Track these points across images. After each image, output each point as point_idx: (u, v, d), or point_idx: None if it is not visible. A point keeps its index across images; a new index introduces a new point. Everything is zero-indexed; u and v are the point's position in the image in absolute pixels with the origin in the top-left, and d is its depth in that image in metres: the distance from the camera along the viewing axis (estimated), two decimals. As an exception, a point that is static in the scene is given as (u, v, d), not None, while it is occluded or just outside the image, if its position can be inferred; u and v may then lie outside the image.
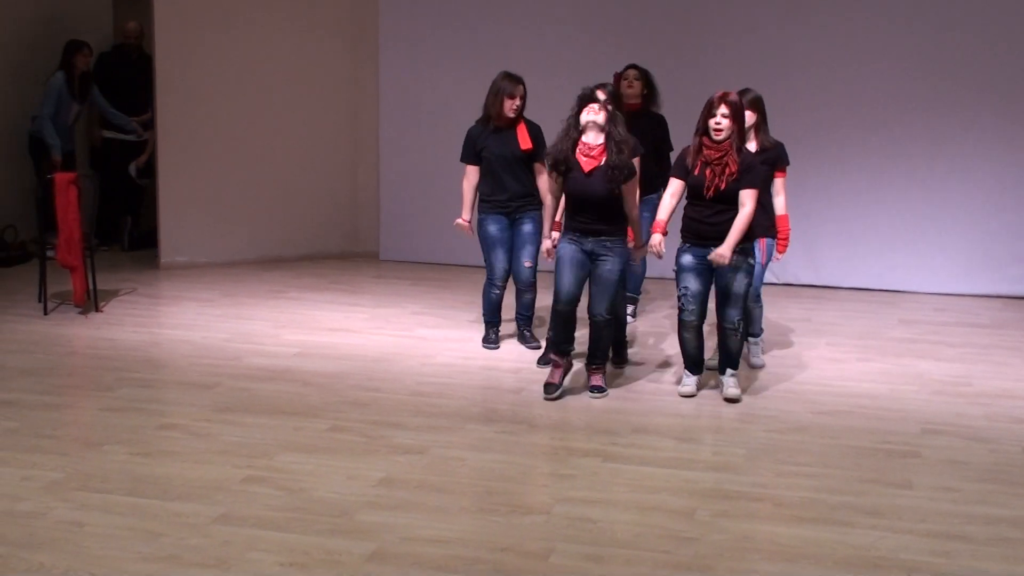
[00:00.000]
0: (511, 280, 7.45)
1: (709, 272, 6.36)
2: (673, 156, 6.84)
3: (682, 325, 6.45)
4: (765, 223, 6.67)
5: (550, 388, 6.50)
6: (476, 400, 6.58)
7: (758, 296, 7.03)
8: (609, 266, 6.37)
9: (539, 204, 7.21)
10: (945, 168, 9.40)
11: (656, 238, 6.36)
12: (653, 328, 8.07)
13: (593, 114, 6.30)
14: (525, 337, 7.50)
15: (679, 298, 6.40)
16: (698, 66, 9.42)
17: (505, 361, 7.23)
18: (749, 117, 6.54)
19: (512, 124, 7.26)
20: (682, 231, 6.40)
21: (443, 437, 5.80)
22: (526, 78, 7.30)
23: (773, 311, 8.44)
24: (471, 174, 7.39)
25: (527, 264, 7.33)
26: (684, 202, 6.41)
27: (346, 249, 10.74)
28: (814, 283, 9.69)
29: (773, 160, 6.70)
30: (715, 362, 6.83)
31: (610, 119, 6.30)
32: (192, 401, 6.35)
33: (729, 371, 6.52)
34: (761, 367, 7.07)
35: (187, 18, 9.92)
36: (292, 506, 4.88)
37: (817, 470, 5.43)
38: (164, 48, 9.88)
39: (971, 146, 9.33)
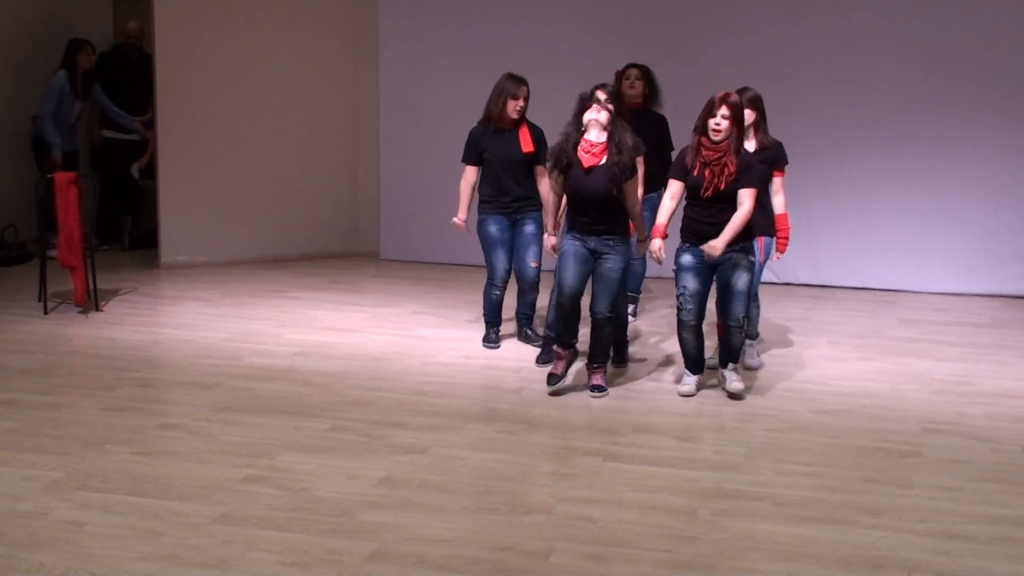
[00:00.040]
0: (511, 280, 7.44)
1: (709, 272, 6.36)
2: (674, 156, 6.83)
3: (681, 325, 6.45)
4: (764, 222, 6.67)
5: (553, 379, 6.53)
6: (477, 399, 6.59)
7: (755, 296, 7.02)
8: (611, 264, 6.38)
9: (539, 205, 7.22)
10: (945, 167, 9.40)
11: (656, 243, 6.35)
12: (654, 327, 8.07)
13: (595, 112, 6.31)
14: (527, 336, 7.50)
15: (678, 297, 6.40)
16: (698, 66, 9.42)
17: (506, 360, 7.23)
18: (748, 116, 6.54)
19: (515, 125, 7.25)
20: (681, 231, 6.40)
21: (444, 436, 5.80)
22: (526, 78, 7.29)
23: (773, 310, 8.44)
24: (470, 174, 7.38)
25: (533, 264, 7.32)
26: (683, 202, 6.41)
27: (346, 249, 10.74)
28: (814, 282, 9.69)
29: (772, 159, 6.70)
30: (715, 361, 6.84)
31: (612, 119, 6.30)
32: (192, 401, 6.35)
33: (731, 365, 6.53)
34: (757, 368, 7.06)
35: (187, 18, 9.92)
36: (293, 506, 4.88)
37: (818, 469, 5.43)
38: (164, 48, 9.88)
39: (971, 145, 9.32)
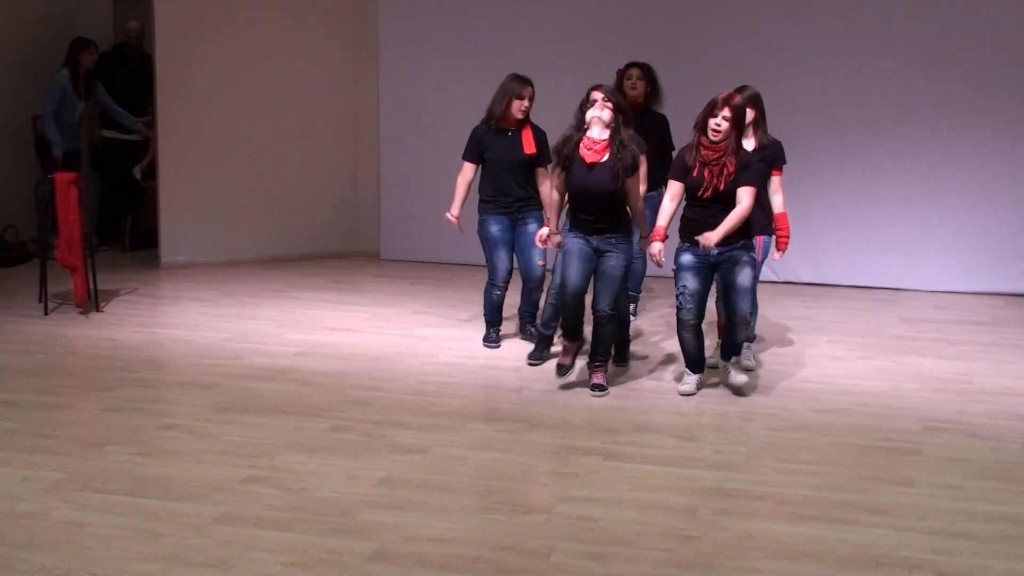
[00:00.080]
0: (513, 279, 7.43)
1: (709, 271, 6.36)
2: (675, 156, 6.83)
3: (681, 324, 6.44)
4: (762, 221, 6.66)
5: (562, 369, 6.59)
6: (477, 399, 6.59)
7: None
8: (614, 262, 6.38)
9: (540, 204, 7.21)
10: (945, 167, 9.40)
11: (656, 246, 6.34)
12: (654, 326, 8.07)
13: (597, 110, 6.31)
14: (531, 333, 7.48)
15: (677, 297, 6.40)
16: (698, 66, 9.42)
17: (506, 360, 7.23)
18: (748, 115, 6.53)
19: (519, 126, 7.23)
20: (680, 231, 6.38)
21: (444, 436, 5.80)
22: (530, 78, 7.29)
23: (774, 309, 8.44)
24: (468, 171, 7.37)
25: (540, 263, 7.30)
26: (683, 203, 6.41)
27: (347, 248, 10.75)
28: (815, 281, 9.70)
29: (771, 158, 6.69)
30: (715, 360, 6.85)
31: (615, 117, 6.30)
32: (193, 401, 6.35)
33: (733, 358, 6.53)
34: (752, 369, 7.05)
35: (187, 18, 9.92)
36: (293, 506, 4.88)
37: (818, 468, 5.43)
38: (164, 48, 9.89)
39: (971, 145, 9.33)
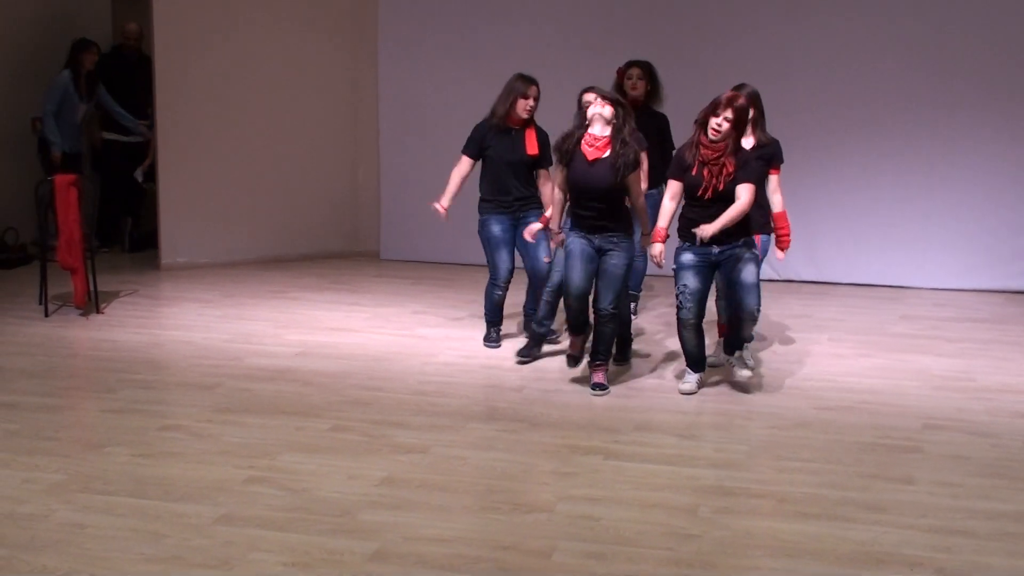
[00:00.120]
0: (516, 277, 7.41)
1: (709, 271, 6.35)
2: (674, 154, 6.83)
3: (681, 324, 6.43)
4: (761, 219, 6.65)
5: (572, 360, 6.81)
6: (478, 399, 6.59)
7: None
8: (615, 260, 6.38)
9: (541, 203, 7.20)
10: (945, 166, 9.40)
11: (657, 248, 6.34)
12: (654, 325, 8.07)
13: (599, 107, 6.31)
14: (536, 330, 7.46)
15: (678, 296, 6.39)
16: (698, 66, 9.42)
17: (507, 360, 7.22)
18: (747, 115, 6.53)
19: (523, 125, 7.22)
20: (680, 231, 6.36)
21: (445, 436, 5.80)
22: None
23: (774, 307, 8.44)
24: (464, 165, 7.33)
25: (547, 260, 7.28)
26: (682, 202, 6.40)
27: (347, 249, 10.75)
28: (815, 279, 9.70)
29: (769, 157, 6.67)
30: (716, 359, 6.85)
31: (617, 113, 6.30)
32: (193, 402, 6.35)
33: (737, 353, 6.53)
34: (752, 369, 7.05)
35: (187, 18, 9.92)
36: (294, 506, 4.88)
37: (819, 466, 5.43)
38: (164, 48, 9.89)
39: (971, 144, 9.33)
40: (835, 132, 9.49)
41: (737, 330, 6.50)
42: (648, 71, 7.71)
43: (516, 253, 7.36)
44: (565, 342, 7.24)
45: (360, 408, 6.23)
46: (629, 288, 7.39)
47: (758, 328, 7.28)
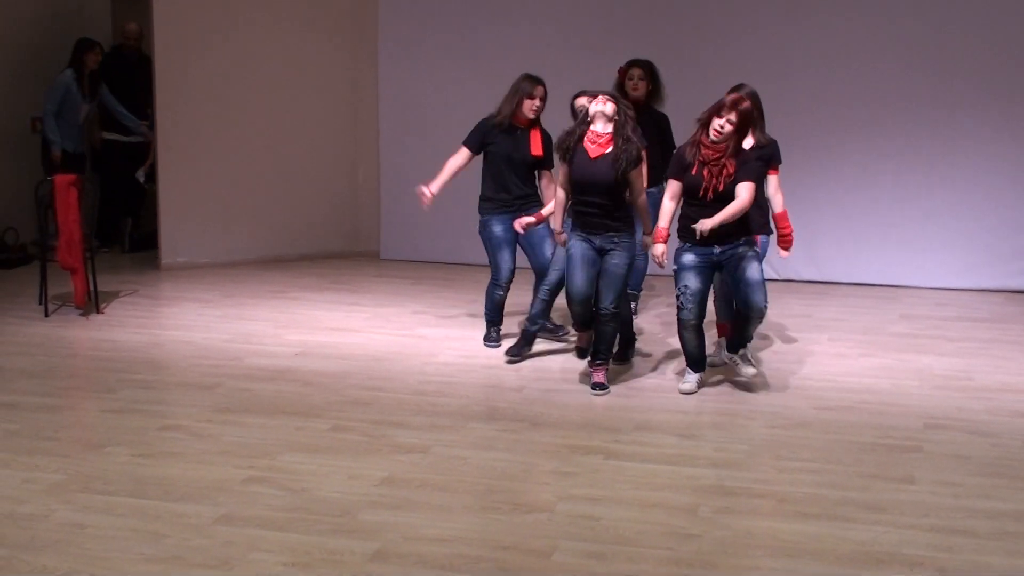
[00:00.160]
0: (518, 277, 7.40)
1: (709, 271, 6.35)
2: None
3: (681, 324, 6.43)
4: (760, 220, 6.65)
5: (581, 352, 6.86)
6: (478, 398, 6.59)
7: None
8: (616, 260, 6.38)
9: (541, 203, 7.19)
10: (945, 165, 9.41)
11: (659, 248, 6.34)
12: (654, 324, 8.07)
13: (600, 104, 6.31)
14: (546, 328, 7.44)
15: (678, 297, 6.38)
16: (698, 66, 9.41)
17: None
18: (748, 117, 6.52)
19: (528, 125, 7.21)
20: (679, 231, 6.35)
21: (445, 436, 5.80)
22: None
23: (775, 307, 8.41)
24: (461, 155, 7.29)
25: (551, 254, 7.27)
26: (682, 201, 6.40)
27: (347, 248, 10.75)
28: (815, 279, 9.71)
29: (768, 157, 6.66)
30: (716, 359, 6.84)
31: (618, 111, 6.30)
32: (193, 402, 6.35)
33: (741, 351, 6.52)
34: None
35: (187, 18, 9.92)
36: (294, 506, 4.88)
37: (819, 465, 5.43)
38: (164, 48, 9.89)
39: (971, 143, 9.33)
40: (835, 132, 9.49)
41: (743, 328, 6.49)
42: (649, 71, 7.70)
43: (518, 253, 7.35)
44: (572, 338, 7.24)
45: (360, 408, 6.23)
46: (629, 288, 7.39)
47: (759, 327, 7.27)
